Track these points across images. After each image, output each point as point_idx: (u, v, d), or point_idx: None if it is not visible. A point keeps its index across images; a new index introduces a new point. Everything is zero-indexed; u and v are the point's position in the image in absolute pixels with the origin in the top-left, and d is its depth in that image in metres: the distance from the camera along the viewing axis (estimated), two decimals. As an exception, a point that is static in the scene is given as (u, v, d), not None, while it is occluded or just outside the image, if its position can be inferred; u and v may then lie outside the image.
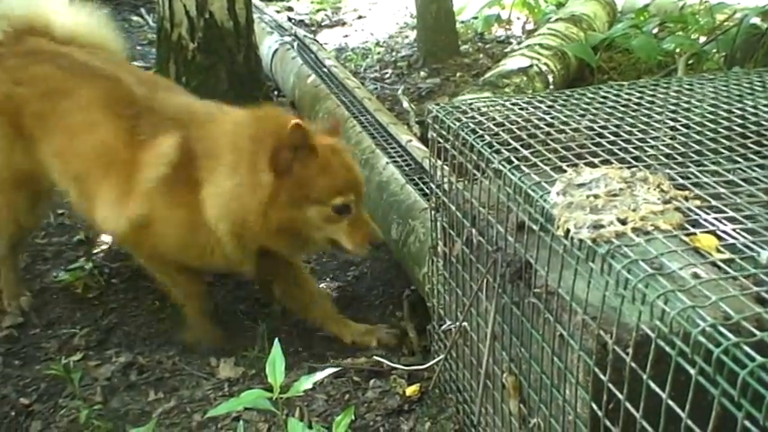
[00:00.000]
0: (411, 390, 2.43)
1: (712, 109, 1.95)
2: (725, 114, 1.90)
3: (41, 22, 2.91)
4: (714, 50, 4.95)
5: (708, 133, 1.78)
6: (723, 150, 1.69)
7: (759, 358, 1.00)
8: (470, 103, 2.08)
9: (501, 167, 1.67)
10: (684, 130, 1.81)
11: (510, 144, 1.75)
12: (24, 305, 3.02)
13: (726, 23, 5.10)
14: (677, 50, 5.10)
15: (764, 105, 1.96)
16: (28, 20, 2.89)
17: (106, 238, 3.44)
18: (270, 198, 2.39)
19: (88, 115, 2.66)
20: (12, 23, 2.87)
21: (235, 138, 2.48)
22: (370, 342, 2.75)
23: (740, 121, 1.84)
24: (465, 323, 2.05)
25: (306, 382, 2.08)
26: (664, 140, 1.76)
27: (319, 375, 2.12)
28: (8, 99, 2.75)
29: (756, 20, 4.59)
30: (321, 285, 3.11)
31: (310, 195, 2.41)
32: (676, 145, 1.73)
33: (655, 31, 5.52)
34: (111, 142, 2.61)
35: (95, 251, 3.37)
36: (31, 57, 2.80)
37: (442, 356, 2.24)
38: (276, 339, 2.10)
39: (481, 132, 1.84)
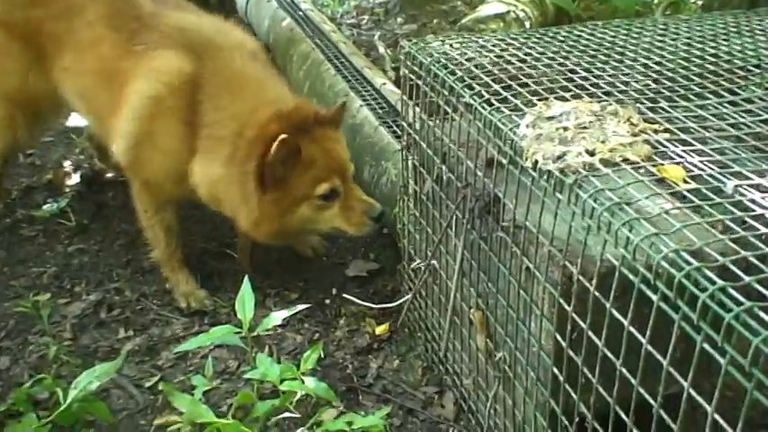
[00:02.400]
0: (381, 329, 2.45)
1: (686, 48, 1.95)
2: (698, 54, 1.89)
3: None
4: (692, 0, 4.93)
5: (680, 71, 1.78)
6: (695, 88, 1.68)
7: (719, 281, 1.01)
8: (443, 41, 2.06)
9: (472, 102, 1.65)
10: (657, 68, 1.80)
11: (482, 79, 1.73)
12: None
13: (704, -28, 5.07)
14: (655, 0, 5.07)
15: (738, 46, 1.95)
16: None
17: (75, 180, 3.40)
18: (259, 215, 2.34)
19: (92, 31, 2.63)
20: None
21: (240, 125, 2.36)
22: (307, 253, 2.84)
23: (713, 60, 1.83)
24: (434, 261, 2.05)
25: (275, 320, 2.09)
26: (636, 78, 1.75)
27: (288, 312, 2.12)
28: (26, 22, 2.76)
29: (734, -32, 4.56)
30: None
31: (296, 196, 2.35)
32: (648, 82, 1.72)
33: (633, -21, 5.48)
34: (109, 54, 2.58)
35: (65, 191, 3.33)
36: None
37: (410, 295, 2.25)
38: (246, 277, 2.11)
39: (453, 68, 1.83)
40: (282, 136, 2.21)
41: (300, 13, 4.68)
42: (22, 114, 2.93)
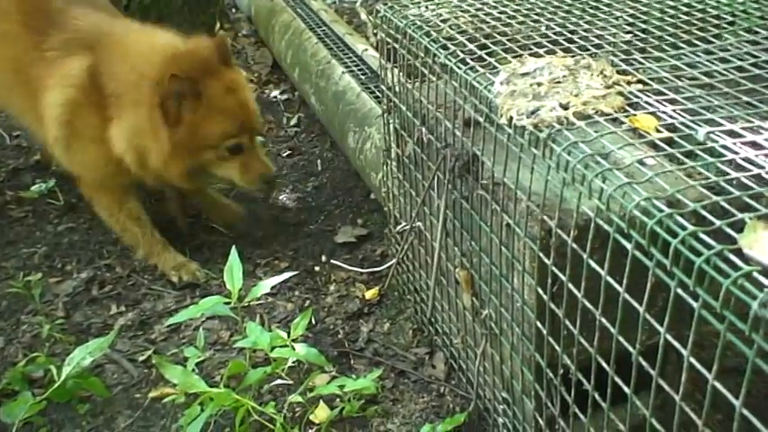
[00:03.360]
0: (370, 293, 2.47)
1: (659, 0, 1.94)
2: (672, 4, 1.89)
3: None
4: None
5: (654, 22, 1.78)
6: (668, 38, 1.68)
7: (690, 227, 1.02)
8: (418, 2, 2.05)
9: (447, 62, 1.66)
10: (631, 21, 1.80)
11: (457, 39, 1.73)
12: None
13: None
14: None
15: (712, -4, 1.95)
16: None
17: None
18: (169, 150, 2.39)
19: (3, 24, 2.62)
20: None
21: (138, 76, 2.42)
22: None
23: (686, 10, 1.83)
24: (418, 223, 2.06)
25: (264, 288, 2.11)
26: (610, 31, 1.75)
27: (277, 279, 2.14)
28: None
29: None
30: (281, 197, 3.11)
31: (204, 142, 2.42)
32: (622, 34, 1.72)
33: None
34: (21, 55, 2.59)
35: (53, 171, 3.32)
36: None
37: (396, 258, 2.27)
38: (233, 246, 2.12)
39: (428, 30, 1.83)
40: (170, 72, 2.29)
41: (280, -18, 4.64)
42: None
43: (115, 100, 2.45)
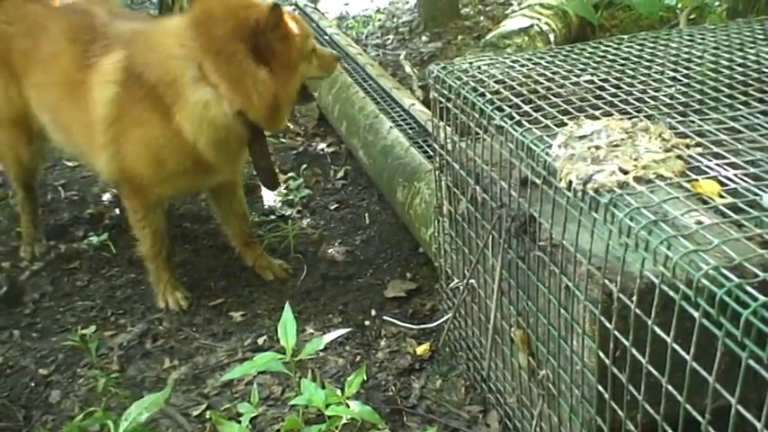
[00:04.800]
0: (421, 349, 2.47)
1: (713, 59, 1.95)
2: (726, 63, 1.90)
3: None
4: (716, 3, 4.91)
5: (709, 82, 1.78)
6: (725, 99, 1.69)
7: (762, 297, 1.01)
8: (471, 62, 2.09)
9: (503, 124, 1.67)
10: (686, 81, 1.81)
11: (511, 100, 1.76)
12: (38, 251, 3.20)
13: (727, -25, 5.05)
14: (679, 5, 5.06)
15: (766, 53, 1.95)
16: None
17: (115, 212, 3.47)
18: (273, 85, 2.47)
19: (55, 46, 2.73)
20: None
21: (185, 50, 2.47)
22: (266, 276, 2.96)
23: (741, 70, 1.84)
24: (472, 280, 2.07)
25: (318, 344, 2.12)
26: (665, 91, 1.76)
27: (330, 336, 2.15)
28: (1, 39, 2.86)
29: (758, -30, 4.54)
30: (329, 250, 3.13)
31: (297, 58, 2.55)
32: (677, 95, 1.73)
33: (656, -14, 5.47)
34: (68, 68, 2.68)
35: (105, 223, 3.39)
36: None
37: (450, 314, 2.27)
38: (287, 303, 2.14)
39: (482, 90, 1.85)
40: (268, 3, 2.44)
41: (327, 37, 4.74)
42: (17, 134, 3.04)
43: (166, 86, 2.48)
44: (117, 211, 3.47)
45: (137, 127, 2.55)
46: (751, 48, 2.01)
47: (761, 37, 2.11)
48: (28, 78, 2.84)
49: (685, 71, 1.87)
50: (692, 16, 4.84)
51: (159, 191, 2.71)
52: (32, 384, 2.48)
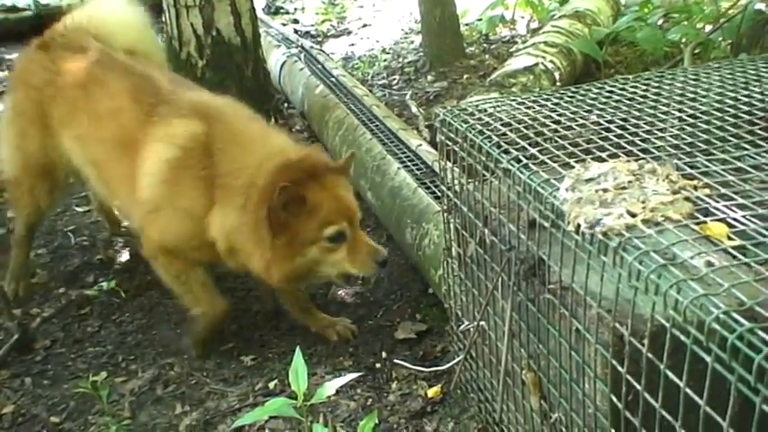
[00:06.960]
0: (433, 391, 2.46)
1: (719, 98, 1.96)
2: (731, 102, 1.90)
3: (105, 30, 3.07)
4: (720, 39, 4.94)
5: (715, 122, 1.79)
6: (731, 138, 1.69)
7: (773, 342, 1.01)
8: (477, 105, 2.10)
9: (510, 167, 1.68)
10: (691, 120, 1.82)
11: (518, 143, 1.76)
12: (21, 291, 3.25)
13: (730, 11, 5.09)
14: (683, 41, 5.09)
15: (771, 91, 1.96)
16: (93, 23, 3.08)
17: (125, 257, 3.48)
18: (271, 256, 2.45)
19: (113, 102, 2.77)
20: (75, 22, 3.07)
21: (249, 178, 2.49)
22: (330, 335, 2.85)
23: (747, 108, 1.84)
24: (482, 322, 2.06)
25: (329, 389, 2.11)
26: (671, 131, 1.76)
27: (341, 381, 2.14)
28: (48, 85, 2.92)
29: (761, 5, 4.57)
30: (339, 292, 3.13)
31: (305, 238, 2.45)
32: (684, 135, 1.73)
33: (659, 22, 5.52)
34: (127, 124, 2.71)
35: (115, 269, 3.41)
36: (77, 50, 2.95)
37: (461, 357, 2.26)
38: (297, 348, 2.13)
39: (488, 133, 1.86)
40: (282, 184, 2.34)
41: (333, 79, 4.78)
42: (41, 183, 3.10)
43: (223, 182, 2.51)
44: (126, 254, 3.48)
45: (180, 195, 2.59)
46: (756, 86, 2.02)
47: (765, 74, 2.12)
48: (71, 129, 2.87)
49: (691, 111, 1.87)
50: (696, 51, 4.87)
51: (189, 255, 2.72)
52: (44, 432, 2.48)
